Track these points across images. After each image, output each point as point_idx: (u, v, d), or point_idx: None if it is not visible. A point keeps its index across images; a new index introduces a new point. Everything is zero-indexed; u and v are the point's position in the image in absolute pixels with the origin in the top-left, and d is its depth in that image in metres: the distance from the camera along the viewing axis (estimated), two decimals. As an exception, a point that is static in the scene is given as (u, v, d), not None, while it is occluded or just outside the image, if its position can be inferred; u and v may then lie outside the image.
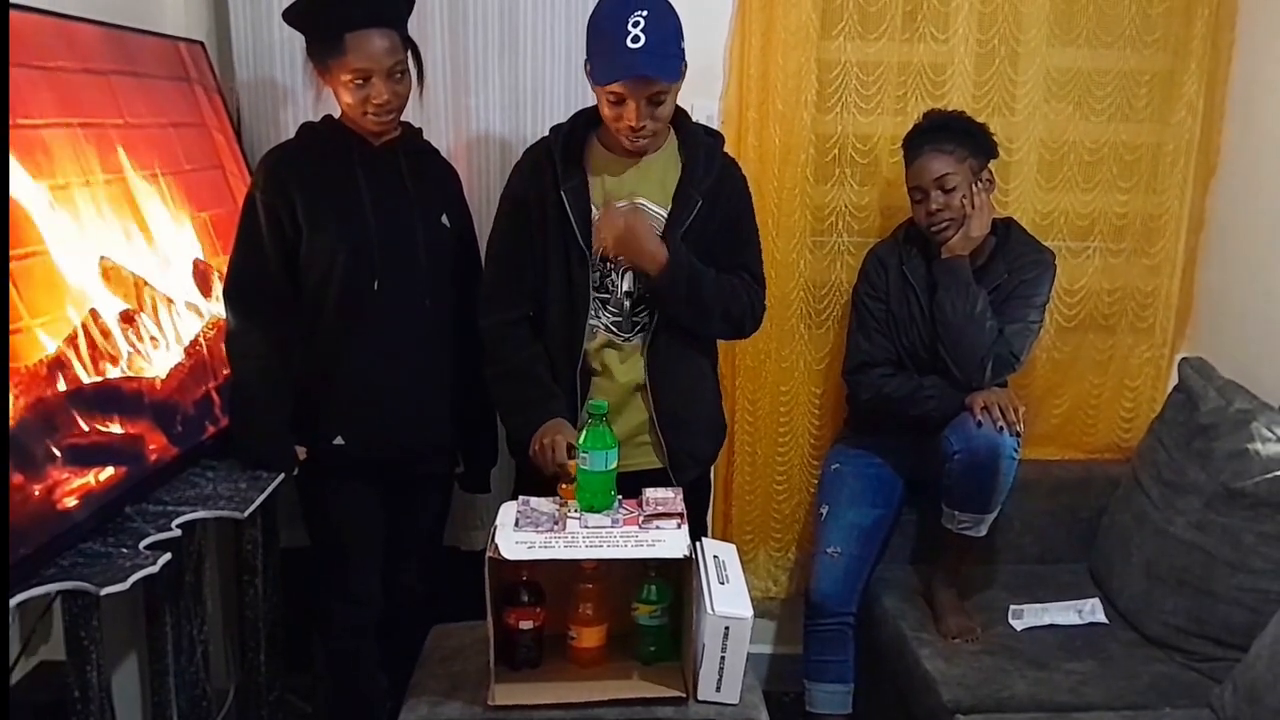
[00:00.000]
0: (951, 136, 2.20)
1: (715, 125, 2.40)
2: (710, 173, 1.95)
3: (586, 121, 1.96)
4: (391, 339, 1.99)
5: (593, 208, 1.92)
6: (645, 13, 1.76)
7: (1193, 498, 2.11)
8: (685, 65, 1.86)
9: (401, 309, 1.99)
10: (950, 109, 2.31)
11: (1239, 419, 2.09)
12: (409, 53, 1.96)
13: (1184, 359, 2.41)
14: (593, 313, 1.95)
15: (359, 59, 1.86)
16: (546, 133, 1.98)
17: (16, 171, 1.49)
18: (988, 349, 2.15)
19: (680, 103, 1.99)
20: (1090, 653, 2.10)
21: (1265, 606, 1.94)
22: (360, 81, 1.88)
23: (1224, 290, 2.50)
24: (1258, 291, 2.35)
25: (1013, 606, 2.25)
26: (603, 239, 1.90)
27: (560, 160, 1.91)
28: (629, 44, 1.75)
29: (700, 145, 1.97)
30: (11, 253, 1.45)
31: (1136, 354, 2.60)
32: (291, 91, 2.30)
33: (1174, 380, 2.41)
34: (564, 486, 1.77)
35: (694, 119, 2.02)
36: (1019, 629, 2.19)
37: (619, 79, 1.79)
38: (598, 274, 1.94)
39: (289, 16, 1.94)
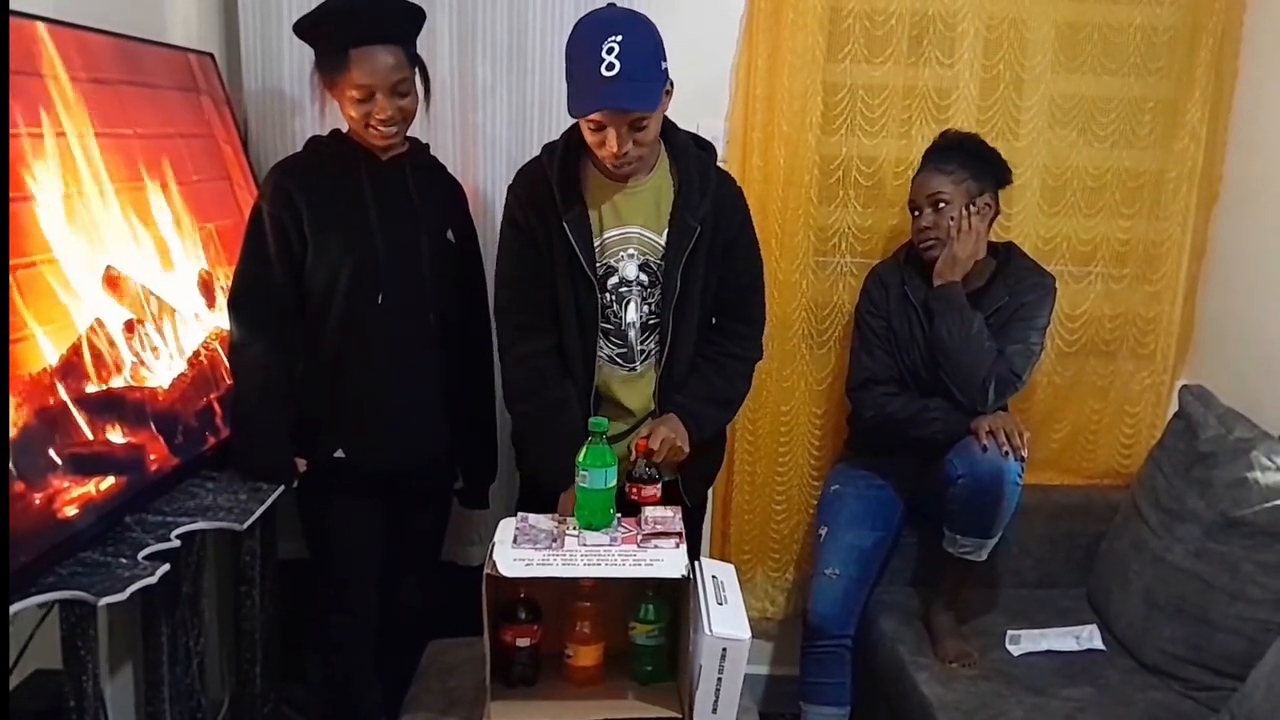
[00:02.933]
0: (956, 157, 2.21)
1: (720, 145, 2.41)
2: (705, 194, 1.90)
3: (580, 140, 1.89)
4: (394, 354, 2.00)
5: (594, 238, 1.90)
6: (620, 37, 1.69)
7: (1192, 525, 2.11)
8: (669, 85, 1.81)
9: (405, 324, 1.99)
10: (966, 131, 2.32)
11: (1239, 447, 2.09)
12: (415, 70, 1.96)
13: (1184, 386, 2.41)
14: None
15: (362, 75, 1.87)
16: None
17: (25, 179, 1.50)
18: (988, 369, 2.15)
19: (685, 122, 1.99)
20: (1087, 679, 2.10)
21: (1263, 636, 1.93)
22: (363, 97, 1.89)
23: (1225, 318, 2.50)
24: (1259, 319, 2.35)
25: (1010, 632, 2.25)
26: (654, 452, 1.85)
27: (558, 188, 1.86)
28: (603, 72, 1.68)
29: (692, 164, 1.92)
30: (19, 260, 1.46)
31: (1137, 380, 2.60)
32: (300, 103, 2.31)
33: (1174, 407, 2.41)
34: None
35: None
36: (1016, 654, 2.19)
37: (593, 111, 1.74)
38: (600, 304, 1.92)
39: (298, 29, 1.95)
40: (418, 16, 1.98)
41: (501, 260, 1.97)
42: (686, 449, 1.92)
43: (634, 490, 1.79)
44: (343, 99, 1.92)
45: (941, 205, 2.20)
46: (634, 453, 1.84)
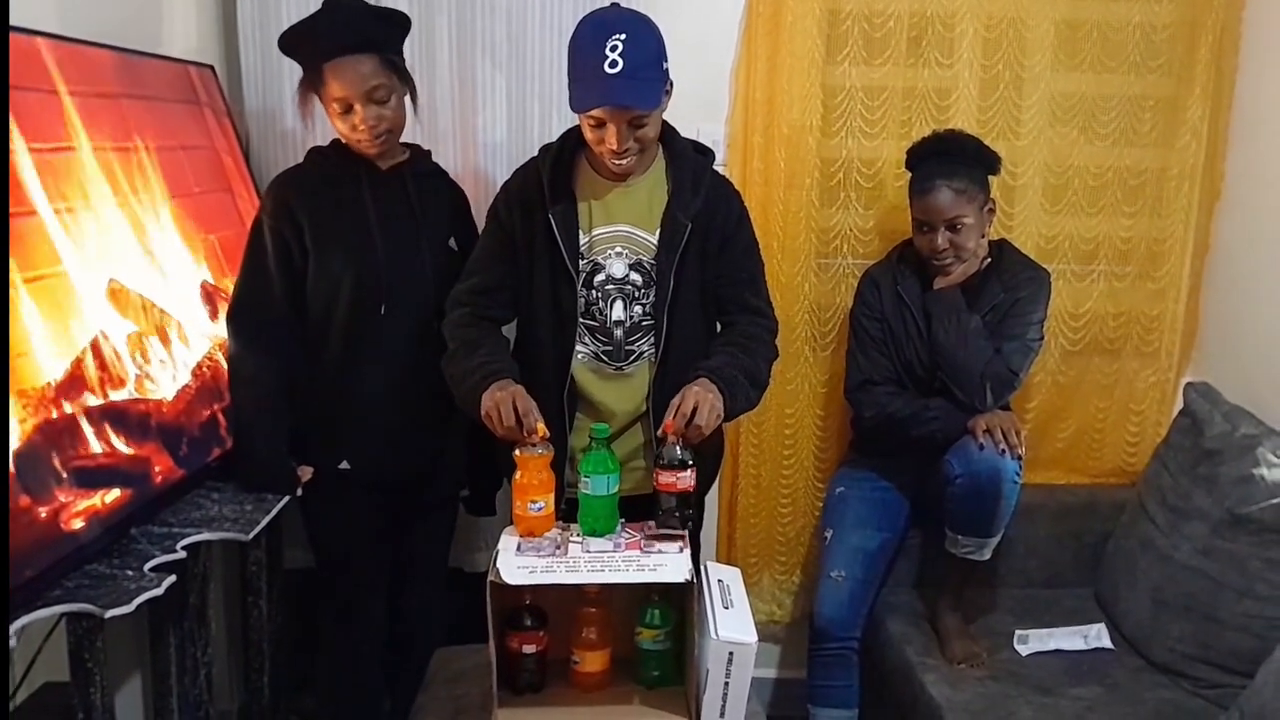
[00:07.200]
0: (962, 169, 2.17)
1: (720, 150, 2.41)
2: (698, 194, 1.90)
3: (576, 141, 1.92)
4: (398, 364, 2.00)
5: (579, 232, 1.90)
6: (624, 36, 1.71)
7: (1198, 523, 2.11)
8: (670, 85, 1.83)
9: (408, 333, 1.99)
10: (952, 130, 2.29)
11: (1244, 444, 2.08)
12: (396, 76, 1.93)
13: (1189, 383, 2.41)
14: (577, 337, 1.92)
15: (338, 87, 1.87)
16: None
17: (28, 193, 1.50)
18: (984, 367, 2.15)
19: (685, 126, 2.00)
20: (1096, 679, 2.09)
21: (1271, 633, 1.93)
22: (343, 109, 1.90)
23: (1229, 314, 2.50)
24: (1263, 316, 2.35)
25: (1018, 632, 2.24)
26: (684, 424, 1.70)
27: (548, 182, 1.88)
28: (606, 69, 1.70)
29: (688, 166, 1.92)
30: (29, 274, 1.47)
31: (1142, 378, 2.59)
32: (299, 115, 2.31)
33: (1179, 405, 2.41)
34: (521, 454, 1.65)
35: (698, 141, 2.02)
36: (1024, 654, 2.19)
37: (595, 107, 1.75)
38: (582, 300, 1.90)
39: (283, 49, 1.95)
40: (394, 21, 1.96)
41: (475, 248, 1.99)
42: (722, 412, 1.76)
43: (666, 476, 1.64)
44: (329, 113, 1.93)
45: (961, 228, 2.18)
46: (661, 435, 1.70)
